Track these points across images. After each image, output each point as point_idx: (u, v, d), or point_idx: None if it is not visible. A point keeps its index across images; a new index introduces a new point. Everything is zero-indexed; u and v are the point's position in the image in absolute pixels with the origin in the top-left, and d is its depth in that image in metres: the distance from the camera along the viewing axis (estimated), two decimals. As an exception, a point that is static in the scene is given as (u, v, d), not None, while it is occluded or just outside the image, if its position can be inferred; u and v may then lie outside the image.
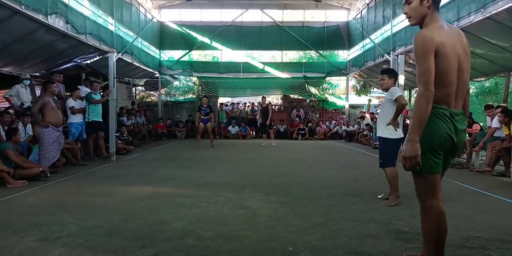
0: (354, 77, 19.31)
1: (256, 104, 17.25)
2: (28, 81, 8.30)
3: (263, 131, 13.56)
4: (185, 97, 18.51)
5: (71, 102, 8.09)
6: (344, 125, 16.38)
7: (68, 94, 9.30)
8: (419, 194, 2.36)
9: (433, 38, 2.15)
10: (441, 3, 9.49)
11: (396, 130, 4.34)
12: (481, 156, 7.71)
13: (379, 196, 4.67)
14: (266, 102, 13.26)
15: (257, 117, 13.86)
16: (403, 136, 4.25)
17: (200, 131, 11.86)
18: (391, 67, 9.89)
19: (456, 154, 2.45)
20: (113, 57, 9.54)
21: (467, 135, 7.78)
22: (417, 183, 2.35)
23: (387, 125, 4.33)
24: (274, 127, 16.00)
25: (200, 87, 18.42)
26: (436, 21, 2.25)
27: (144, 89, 19.17)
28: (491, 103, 8.01)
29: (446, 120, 2.22)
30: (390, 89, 4.45)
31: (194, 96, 18.27)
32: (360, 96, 21.30)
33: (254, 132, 17.13)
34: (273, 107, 17.41)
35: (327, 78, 18.68)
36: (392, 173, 4.45)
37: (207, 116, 11.65)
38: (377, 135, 4.65)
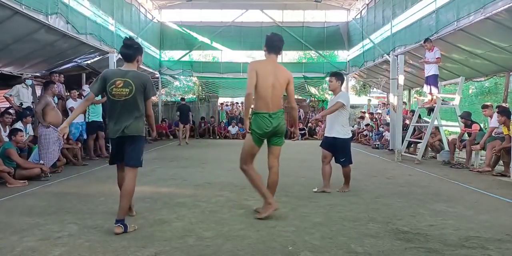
0: (354, 77, 19.32)
1: None
2: (31, 81, 8.32)
3: None
4: (185, 97, 18.55)
5: (70, 103, 8.10)
6: (344, 125, 16.38)
7: (67, 94, 9.31)
8: (241, 159, 3.82)
9: (254, 64, 3.77)
10: (441, 3, 9.39)
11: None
12: (481, 156, 7.71)
13: (314, 190, 5.08)
14: None
15: None
16: (351, 135, 5.26)
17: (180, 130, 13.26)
18: (392, 67, 9.89)
19: (279, 135, 3.83)
20: (114, 57, 9.55)
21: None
22: (243, 150, 3.81)
23: (313, 119, 5.15)
24: None
25: (200, 87, 18.43)
26: (267, 58, 3.88)
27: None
28: (487, 103, 8.01)
29: (265, 120, 3.69)
30: (339, 94, 4.99)
31: (194, 96, 18.29)
32: (359, 96, 21.29)
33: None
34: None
35: (327, 78, 18.70)
36: (349, 170, 5.11)
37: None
38: (330, 135, 5.05)
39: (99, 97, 8.62)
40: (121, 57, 3.66)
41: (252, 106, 3.80)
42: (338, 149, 5.00)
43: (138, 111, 3.44)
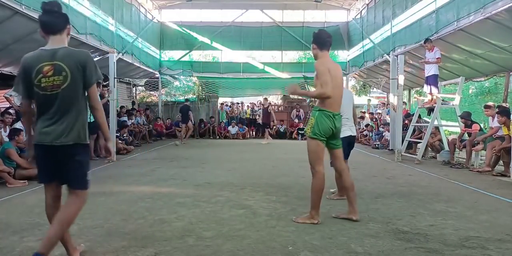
0: (354, 77, 19.32)
1: (257, 103, 17.47)
2: None
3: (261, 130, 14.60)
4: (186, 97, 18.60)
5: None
6: (344, 125, 16.38)
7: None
8: (313, 162, 3.59)
9: (325, 63, 3.59)
10: (441, 3, 9.38)
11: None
12: (481, 156, 7.72)
13: (331, 191, 4.76)
14: (268, 103, 14.28)
15: (257, 117, 14.71)
16: (350, 134, 4.63)
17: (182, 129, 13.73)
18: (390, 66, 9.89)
19: (337, 137, 3.71)
20: (114, 57, 9.54)
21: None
22: (313, 154, 3.58)
23: None
24: (275, 127, 16.11)
25: (200, 87, 18.44)
26: (325, 56, 3.71)
27: (144, 89, 19.19)
28: (489, 103, 8.01)
29: (330, 119, 3.55)
30: None
31: (194, 96, 18.31)
32: (359, 96, 21.30)
33: (254, 132, 17.19)
34: (273, 107, 17.56)
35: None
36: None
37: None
38: None
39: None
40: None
41: (316, 104, 3.72)
42: None
43: (79, 107, 2.53)
